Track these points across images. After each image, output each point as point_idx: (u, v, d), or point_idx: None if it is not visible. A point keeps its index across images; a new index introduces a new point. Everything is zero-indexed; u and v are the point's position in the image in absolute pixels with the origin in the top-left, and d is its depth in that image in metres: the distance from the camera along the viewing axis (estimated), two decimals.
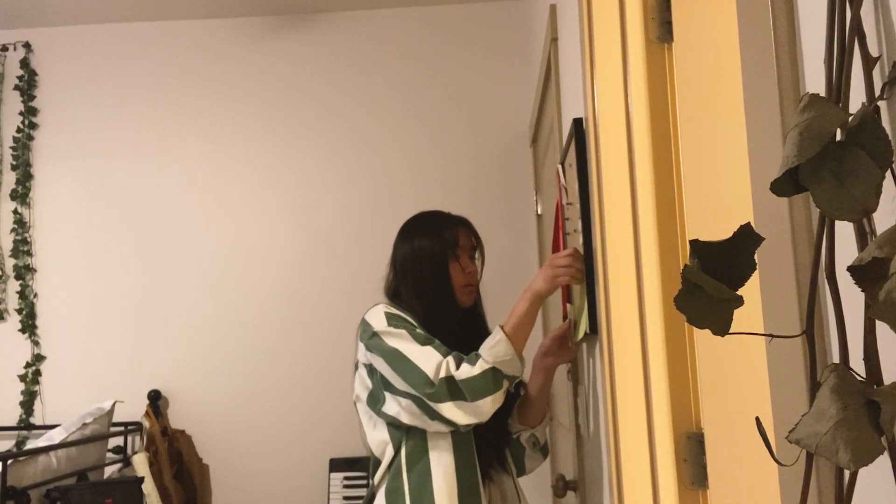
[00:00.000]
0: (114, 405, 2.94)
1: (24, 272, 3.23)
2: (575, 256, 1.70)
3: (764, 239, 0.50)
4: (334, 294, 3.17)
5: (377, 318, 1.69)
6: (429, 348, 1.61)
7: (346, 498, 2.99)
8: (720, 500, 1.05)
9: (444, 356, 1.60)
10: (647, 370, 1.30)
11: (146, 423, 3.00)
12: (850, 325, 0.49)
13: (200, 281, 3.22)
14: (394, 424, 1.66)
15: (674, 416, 1.17)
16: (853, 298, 0.49)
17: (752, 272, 0.50)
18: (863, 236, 0.48)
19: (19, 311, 3.23)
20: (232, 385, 3.16)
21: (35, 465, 2.50)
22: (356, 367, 1.76)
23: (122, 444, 3.04)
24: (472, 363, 1.59)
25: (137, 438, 3.11)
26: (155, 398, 3.10)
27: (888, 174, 0.46)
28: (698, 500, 1.14)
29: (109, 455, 2.96)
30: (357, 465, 3.02)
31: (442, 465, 1.61)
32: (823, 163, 0.46)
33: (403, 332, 1.64)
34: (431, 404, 1.56)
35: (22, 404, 3.17)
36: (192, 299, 3.21)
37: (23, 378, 3.19)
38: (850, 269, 0.45)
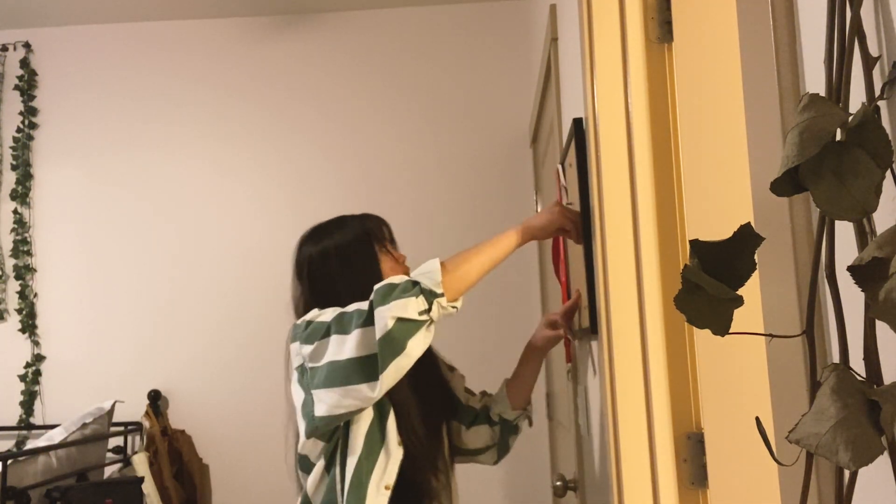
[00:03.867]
0: (114, 405, 2.94)
1: (24, 272, 3.23)
2: (573, 211, 1.66)
3: (764, 239, 0.50)
4: None
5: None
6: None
7: None
8: (720, 500, 1.05)
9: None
10: (647, 370, 1.30)
11: (146, 423, 3.00)
12: (850, 325, 0.49)
13: (201, 280, 3.22)
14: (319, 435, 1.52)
15: (674, 416, 1.17)
16: (853, 298, 0.49)
17: (752, 272, 0.51)
18: (863, 236, 0.48)
19: (19, 311, 3.23)
20: (232, 385, 3.16)
21: (35, 465, 2.50)
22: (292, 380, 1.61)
23: (122, 444, 3.04)
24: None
25: (137, 438, 3.11)
26: (155, 398, 3.10)
27: (888, 174, 0.46)
28: (698, 500, 1.14)
29: (109, 455, 2.96)
30: None
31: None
32: (823, 163, 0.46)
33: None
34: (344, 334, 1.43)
35: (22, 404, 3.16)
36: (193, 299, 3.21)
37: (23, 378, 3.19)
38: (850, 269, 0.45)
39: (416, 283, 1.44)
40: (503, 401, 1.81)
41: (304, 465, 1.57)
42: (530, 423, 1.86)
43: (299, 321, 1.59)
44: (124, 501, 2.51)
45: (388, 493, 1.47)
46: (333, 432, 1.51)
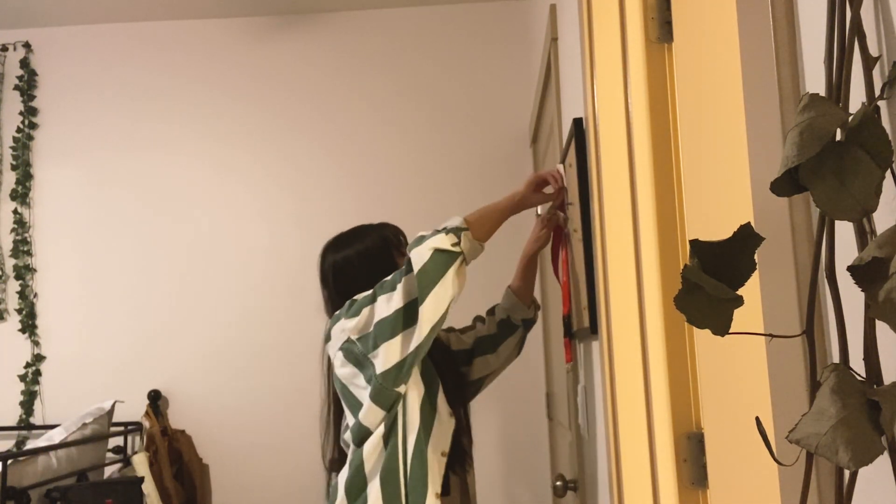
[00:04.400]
0: (114, 405, 2.94)
1: (24, 272, 3.23)
2: (557, 175, 1.88)
3: (764, 239, 0.50)
4: None
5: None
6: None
7: None
8: (720, 500, 1.05)
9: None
10: (647, 370, 1.31)
11: (146, 423, 3.00)
12: (850, 325, 0.49)
13: (201, 281, 3.22)
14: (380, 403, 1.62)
15: (674, 416, 1.17)
16: (853, 298, 0.49)
17: (752, 272, 0.50)
18: (863, 236, 0.48)
19: (19, 311, 3.22)
20: (232, 385, 3.16)
21: (35, 465, 2.50)
22: (328, 364, 1.78)
23: (122, 444, 3.04)
24: None
25: (137, 438, 3.11)
26: (155, 398, 3.10)
27: (888, 174, 0.46)
28: (698, 500, 1.14)
29: (109, 455, 2.96)
30: None
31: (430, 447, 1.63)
32: (823, 163, 0.46)
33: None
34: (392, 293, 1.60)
35: (22, 404, 3.16)
36: (193, 299, 3.21)
37: (23, 378, 3.19)
38: (850, 269, 0.45)
39: (442, 228, 1.64)
40: (518, 306, 2.00)
41: (360, 437, 1.65)
42: (538, 309, 2.07)
43: (337, 313, 1.73)
44: (124, 501, 2.51)
45: (445, 458, 1.62)
46: (393, 404, 1.62)
